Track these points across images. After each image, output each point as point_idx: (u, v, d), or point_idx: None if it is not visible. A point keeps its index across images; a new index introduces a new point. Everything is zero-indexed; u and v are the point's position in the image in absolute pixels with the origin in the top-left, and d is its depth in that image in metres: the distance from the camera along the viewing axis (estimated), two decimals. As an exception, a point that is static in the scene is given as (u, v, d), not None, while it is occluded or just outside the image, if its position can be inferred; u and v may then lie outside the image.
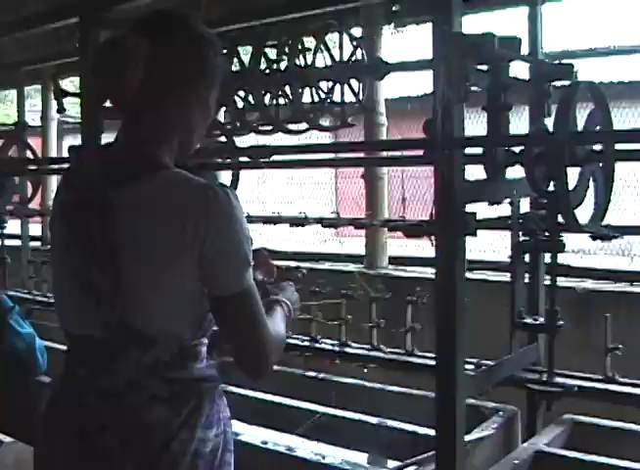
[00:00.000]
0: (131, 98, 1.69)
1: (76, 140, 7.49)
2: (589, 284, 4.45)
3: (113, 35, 1.75)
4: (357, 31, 3.96)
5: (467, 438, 2.78)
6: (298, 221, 3.62)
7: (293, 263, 5.58)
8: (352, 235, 8.74)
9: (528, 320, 3.02)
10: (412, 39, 6.74)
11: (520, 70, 2.96)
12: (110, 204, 1.67)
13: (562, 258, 3.00)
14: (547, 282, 3.11)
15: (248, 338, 1.71)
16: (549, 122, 2.89)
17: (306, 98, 3.21)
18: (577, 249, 6.80)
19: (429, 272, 5.01)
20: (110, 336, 1.68)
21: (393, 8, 5.18)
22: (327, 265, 5.62)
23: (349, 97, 3.17)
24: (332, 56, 3.05)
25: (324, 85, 3.17)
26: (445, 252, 2.51)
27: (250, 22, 3.68)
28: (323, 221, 3.56)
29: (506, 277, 3.25)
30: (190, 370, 1.73)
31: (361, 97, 3.16)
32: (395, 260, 5.37)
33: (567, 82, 2.94)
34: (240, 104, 3.34)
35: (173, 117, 1.75)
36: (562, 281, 3.16)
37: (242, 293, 1.68)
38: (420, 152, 2.65)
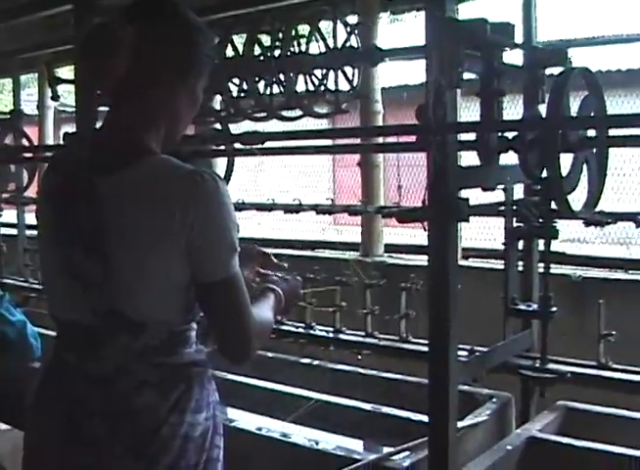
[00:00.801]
0: (118, 83, 1.69)
1: (74, 128, 7.48)
2: (583, 271, 4.46)
3: (101, 20, 1.76)
4: (353, 19, 3.94)
5: (460, 424, 2.79)
6: (293, 208, 3.62)
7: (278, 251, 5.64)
8: (350, 224, 8.74)
9: (522, 306, 3.03)
10: (410, 28, 6.76)
11: (515, 57, 2.96)
12: (96, 190, 1.67)
13: (559, 247, 3.01)
14: (541, 269, 3.13)
15: (230, 324, 1.71)
16: (543, 109, 2.90)
17: (300, 85, 3.21)
18: (574, 237, 6.81)
19: (424, 260, 5.01)
20: (98, 322, 1.68)
21: (389, -5, 5.17)
22: (324, 253, 5.62)
23: (344, 84, 3.16)
24: (326, 43, 3.04)
25: (318, 72, 3.17)
26: (438, 238, 2.51)
27: (244, 8, 3.68)
28: (317, 208, 3.56)
29: (500, 265, 3.26)
30: (179, 355, 1.73)
31: (355, 84, 3.16)
32: (391, 248, 5.36)
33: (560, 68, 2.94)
34: (234, 91, 3.34)
35: (160, 104, 1.74)
36: (556, 268, 3.17)
37: (227, 279, 1.67)
38: (414, 138, 2.65)
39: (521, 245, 3.18)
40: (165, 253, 1.64)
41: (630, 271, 4.36)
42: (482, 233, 6.81)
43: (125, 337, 1.67)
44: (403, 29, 6.90)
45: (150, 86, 1.72)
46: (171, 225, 1.61)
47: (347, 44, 3.13)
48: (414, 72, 7.13)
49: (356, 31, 3.15)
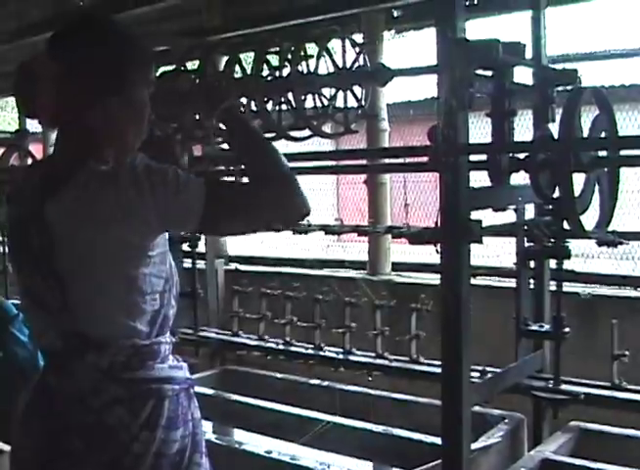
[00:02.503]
0: (52, 113, 1.73)
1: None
2: (593, 289, 4.42)
3: (27, 58, 1.78)
4: (358, 37, 3.92)
5: (473, 446, 2.76)
6: (302, 229, 3.60)
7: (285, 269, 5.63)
8: (355, 240, 8.70)
9: (534, 327, 3.01)
10: (412, 43, 6.74)
11: (522, 73, 2.95)
12: (44, 217, 1.69)
13: (565, 263, 2.98)
14: (552, 288, 3.10)
15: (254, 210, 1.76)
16: (552, 127, 2.88)
17: (309, 104, 3.19)
18: (578, 253, 6.76)
19: (432, 278, 4.99)
20: (66, 345, 1.72)
21: (394, 14, 5.15)
22: (330, 272, 5.59)
23: (352, 103, 3.14)
24: (334, 62, 3.02)
25: (326, 92, 3.15)
26: (450, 259, 2.50)
27: (251, 29, 3.67)
28: (326, 229, 3.54)
29: (510, 283, 3.23)
30: (148, 370, 1.75)
31: (364, 103, 3.14)
32: (398, 267, 5.33)
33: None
34: (242, 111, 3.32)
35: (96, 124, 1.73)
36: (566, 286, 3.14)
37: (207, 198, 1.68)
38: (424, 158, 2.64)
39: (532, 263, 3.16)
40: (122, 264, 1.67)
41: (640, 289, 4.32)
42: (486, 250, 6.77)
43: (91, 356, 1.70)
44: (405, 43, 6.90)
45: (81, 111, 1.72)
46: (122, 227, 1.64)
47: (356, 64, 3.12)
48: (418, 88, 7.13)
49: (364, 51, 3.13)
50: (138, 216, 1.64)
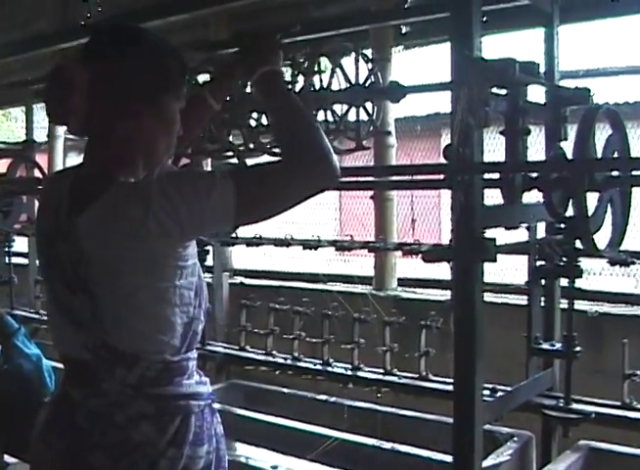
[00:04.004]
0: (84, 121, 1.71)
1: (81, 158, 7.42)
2: (600, 307, 4.41)
3: (57, 64, 1.77)
4: (368, 53, 3.93)
5: (483, 464, 2.75)
6: (311, 244, 3.59)
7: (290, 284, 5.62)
8: (358, 255, 8.65)
9: (545, 346, 3.00)
10: (418, 56, 6.73)
11: (533, 91, 2.95)
12: (73, 230, 1.68)
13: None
14: (563, 305, 3.10)
15: (290, 183, 1.74)
16: (564, 145, 2.89)
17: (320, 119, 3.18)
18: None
19: (439, 294, 4.99)
20: (93, 357, 1.70)
21: (403, 30, 5.16)
22: (336, 287, 5.57)
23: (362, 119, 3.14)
24: (347, 78, 3.03)
25: (338, 108, 3.15)
26: (464, 278, 2.49)
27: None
28: (337, 245, 3.54)
29: (518, 299, 3.22)
30: (177, 386, 1.74)
31: (375, 120, 3.14)
32: (405, 282, 5.32)
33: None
34: (253, 125, 3.32)
35: (127, 135, 1.73)
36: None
37: (237, 190, 1.66)
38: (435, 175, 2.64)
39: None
40: (156, 277, 1.66)
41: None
42: (492, 266, 6.75)
43: (120, 370, 1.69)
44: (411, 58, 6.91)
45: (113, 121, 1.72)
46: (152, 244, 1.63)
47: (368, 81, 3.12)
48: (422, 103, 7.12)
49: (376, 67, 3.14)
50: (171, 226, 1.62)
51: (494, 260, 2.47)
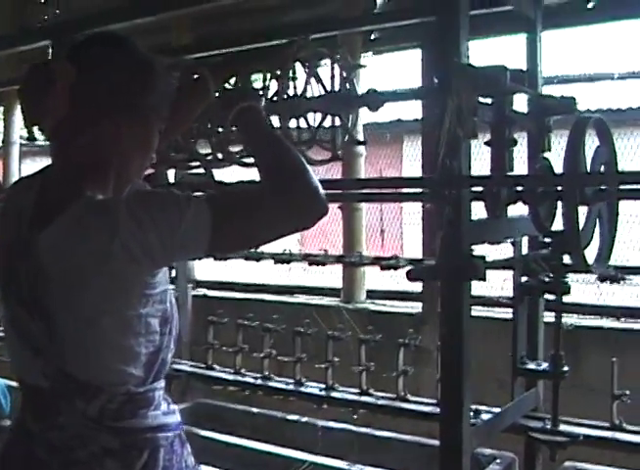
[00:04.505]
0: (59, 122, 1.58)
1: (36, 163, 7.20)
2: (576, 319, 4.33)
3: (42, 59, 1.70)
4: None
5: (466, 488, 2.62)
6: (283, 258, 3.44)
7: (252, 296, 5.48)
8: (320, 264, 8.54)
9: (531, 366, 2.88)
10: (382, 62, 6.60)
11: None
12: (35, 247, 1.55)
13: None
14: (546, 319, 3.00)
15: (267, 215, 1.60)
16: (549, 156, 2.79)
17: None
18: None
19: (409, 307, 4.88)
20: (52, 386, 1.58)
21: (372, 36, 5.05)
22: (303, 299, 5.43)
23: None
24: (323, 85, 2.88)
25: (311, 117, 3.00)
26: (451, 297, 2.35)
27: (224, 48, 3.51)
28: (310, 259, 3.38)
29: (499, 314, 3.10)
30: (142, 418, 1.60)
31: (350, 129, 3.00)
32: (374, 294, 5.20)
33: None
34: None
35: (103, 145, 1.62)
36: (547, 316, 3.04)
37: (214, 219, 1.53)
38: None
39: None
40: (120, 303, 1.53)
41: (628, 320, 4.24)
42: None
43: (80, 401, 1.56)
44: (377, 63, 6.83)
45: (90, 128, 1.61)
46: (118, 267, 1.49)
47: (343, 87, 2.97)
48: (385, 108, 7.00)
49: (353, 74, 3.00)
50: (139, 253, 1.49)
51: (484, 279, 2.34)
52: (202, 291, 5.77)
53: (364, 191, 2.97)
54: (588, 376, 3.81)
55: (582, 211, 2.51)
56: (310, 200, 1.62)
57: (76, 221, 1.53)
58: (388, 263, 3.03)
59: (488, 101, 2.53)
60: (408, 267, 2.97)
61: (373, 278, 5.49)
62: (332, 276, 5.53)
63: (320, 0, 5.22)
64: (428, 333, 4.27)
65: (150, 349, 1.59)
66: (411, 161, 9.83)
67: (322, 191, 1.62)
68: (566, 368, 2.77)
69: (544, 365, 2.88)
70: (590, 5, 4.15)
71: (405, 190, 2.83)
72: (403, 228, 8.68)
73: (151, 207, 1.53)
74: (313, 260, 3.35)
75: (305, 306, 5.03)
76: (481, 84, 2.24)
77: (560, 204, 2.53)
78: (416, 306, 4.80)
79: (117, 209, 1.50)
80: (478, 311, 4.18)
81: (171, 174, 3.67)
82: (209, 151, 3.23)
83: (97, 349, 1.55)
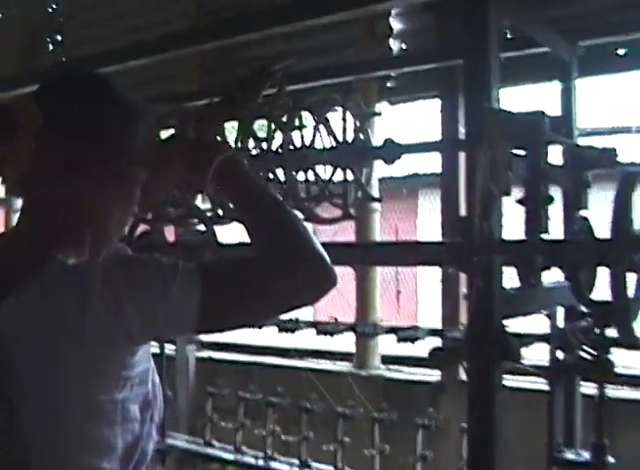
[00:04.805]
0: (24, 175, 1.37)
1: None
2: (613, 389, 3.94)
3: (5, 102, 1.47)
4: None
5: None
6: (290, 327, 3.10)
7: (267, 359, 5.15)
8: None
9: (570, 455, 2.52)
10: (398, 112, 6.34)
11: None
12: None
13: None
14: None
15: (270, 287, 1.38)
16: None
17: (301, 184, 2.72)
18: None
19: (426, 374, 4.54)
20: None
21: (388, 84, 4.78)
22: (312, 363, 5.08)
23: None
24: (334, 135, 2.58)
25: (320, 169, 2.69)
26: (481, 382, 2.00)
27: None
28: (319, 327, 3.04)
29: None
30: None
31: (364, 183, 2.68)
32: (389, 360, 4.84)
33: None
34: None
35: (76, 202, 1.41)
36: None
37: (204, 291, 1.31)
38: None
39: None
40: (90, 384, 1.30)
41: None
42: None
43: None
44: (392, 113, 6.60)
45: (61, 181, 1.40)
46: (91, 338, 1.26)
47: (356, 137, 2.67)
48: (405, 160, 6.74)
49: (367, 123, 2.70)
50: (116, 330, 1.27)
51: (518, 361, 1.99)
52: (206, 353, 5.43)
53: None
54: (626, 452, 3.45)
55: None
56: (317, 272, 1.39)
57: (42, 291, 1.29)
58: (405, 335, 2.69)
59: (520, 152, 2.23)
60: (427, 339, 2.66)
61: (388, 341, 5.18)
62: (344, 336, 5.22)
63: (334, 48, 5.00)
64: (448, 405, 3.94)
65: (128, 439, 1.36)
66: (426, 213, 9.56)
67: (328, 260, 1.39)
68: (611, 460, 2.41)
69: (584, 455, 2.51)
70: (621, 52, 3.89)
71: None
72: (418, 286, 8.40)
73: (130, 277, 1.30)
74: (323, 330, 3.00)
75: (314, 372, 4.69)
76: (518, 133, 1.91)
77: (601, 269, 2.22)
78: (435, 374, 4.45)
79: (90, 276, 1.28)
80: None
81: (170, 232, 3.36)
82: (209, 206, 2.95)
83: (64, 439, 1.31)
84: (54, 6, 6.82)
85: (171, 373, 4.00)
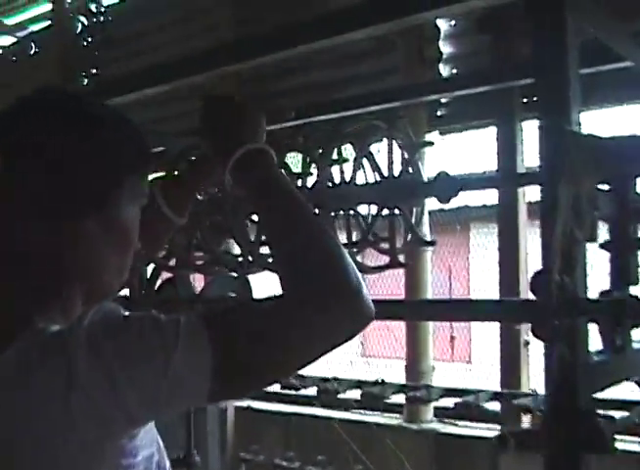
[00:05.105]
0: None
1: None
2: None
3: None
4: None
5: None
6: (329, 387, 2.73)
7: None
8: (381, 356, 7.92)
9: None
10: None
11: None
12: None
13: None
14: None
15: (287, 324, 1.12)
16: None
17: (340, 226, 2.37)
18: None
19: (484, 428, 4.17)
20: None
21: (438, 112, 4.45)
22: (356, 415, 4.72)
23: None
24: (379, 170, 2.22)
25: (364, 209, 2.35)
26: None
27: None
28: (364, 388, 2.66)
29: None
30: None
31: (415, 225, 2.31)
32: (442, 412, 4.46)
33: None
34: (253, 233, 2.51)
35: (58, 252, 1.17)
36: None
37: (214, 350, 1.07)
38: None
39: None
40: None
41: None
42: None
43: None
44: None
45: (37, 228, 1.17)
46: (80, 422, 1.04)
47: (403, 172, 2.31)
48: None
49: (417, 155, 2.34)
50: (108, 410, 1.05)
51: (610, 452, 1.59)
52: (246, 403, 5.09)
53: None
54: None
55: None
56: (353, 308, 1.14)
57: (18, 367, 1.09)
58: (465, 402, 2.30)
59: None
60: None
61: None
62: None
63: (377, 75, 4.69)
64: (509, 464, 3.55)
65: None
66: (479, 248, 9.22)
67: (365, 288, 1.15)
68: None
69: None
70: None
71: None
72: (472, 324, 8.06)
73: (123, 349, 1.07)
74: (367, 394, 2.62)
75: (359, 425, 4.35)
76: (609, 164, 1.53)
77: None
78: (495, 428, 4.07)
79: (76, 350, 1.06)
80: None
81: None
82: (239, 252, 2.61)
83: None
84: (89, 39, 6.70)
85: (201, 431, 3.61)
